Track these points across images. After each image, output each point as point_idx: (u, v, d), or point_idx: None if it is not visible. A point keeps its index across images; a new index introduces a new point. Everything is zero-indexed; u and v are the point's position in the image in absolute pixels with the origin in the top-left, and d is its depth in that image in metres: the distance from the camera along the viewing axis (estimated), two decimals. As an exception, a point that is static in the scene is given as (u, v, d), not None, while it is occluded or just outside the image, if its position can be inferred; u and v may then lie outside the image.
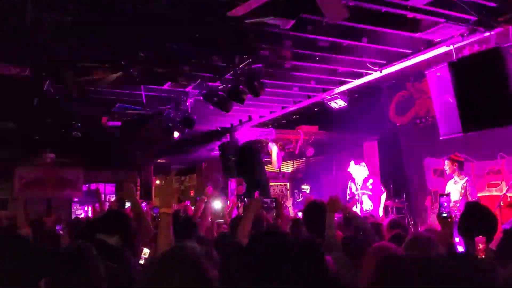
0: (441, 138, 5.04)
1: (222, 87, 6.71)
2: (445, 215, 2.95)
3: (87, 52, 5.69)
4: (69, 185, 12.60)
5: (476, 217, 2.88)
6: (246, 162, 8.90)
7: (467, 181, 6.56)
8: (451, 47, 5.33)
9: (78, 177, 12.76)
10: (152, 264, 1.73)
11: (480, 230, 2.73)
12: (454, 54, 5.25)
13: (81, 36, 5.12)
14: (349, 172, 8.65)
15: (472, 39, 5.18)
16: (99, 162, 13.42)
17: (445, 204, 3.09)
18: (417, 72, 7.65)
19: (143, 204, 8.94)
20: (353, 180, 8.59)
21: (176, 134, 7.97)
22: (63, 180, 12.39)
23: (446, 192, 6.21)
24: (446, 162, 6.85)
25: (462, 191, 6.50)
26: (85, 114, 8.24)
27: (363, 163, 8.58)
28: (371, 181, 8.34)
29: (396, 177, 9.14)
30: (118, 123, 8.41)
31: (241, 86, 6.25)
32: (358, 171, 8.48)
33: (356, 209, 7.78)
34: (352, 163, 8.60)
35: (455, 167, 6.67)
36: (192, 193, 17.33)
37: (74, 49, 5.46)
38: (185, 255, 1.62)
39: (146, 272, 1.79)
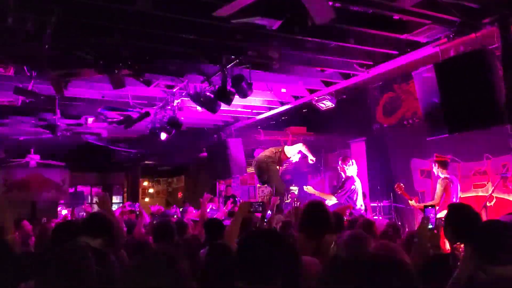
0: (428, 139, 5.07)
1: (209, 88, 6.67)
2: (430, 226, 2.95)
3: (71, 52, 5.62)
4: (54, 187, 12.44)
5: (459, 221, 2.87)
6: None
7: (442, 179, 6.67)
8: (437, 48, 5.36)
9: (63, 179, 12.61)
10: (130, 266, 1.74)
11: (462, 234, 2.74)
12: (440, 56, 5.28)
13: (65, 36, 5.06)
14: (341, 171, 8.28)
15: (458, 41, 5.22)
16: (85, 164, 13.29)
17: (431, 215, 3.09)
18: (404, 74, 7.70)
19: (136, 205, 8.89)
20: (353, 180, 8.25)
21: (163, 136, 7.90)
22: (48, 182, 12.23)
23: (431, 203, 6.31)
24: (433, 165, 6.94)
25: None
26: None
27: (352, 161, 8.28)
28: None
29: (384, 178, 9.19)
30: (105, 124, 8.32)
31: (228, 87, 6.22)
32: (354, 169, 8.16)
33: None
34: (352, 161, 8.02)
35: (437, 168, 6.76)
36: (180, 195, 17.24)
37: (59, 49, 5.37)
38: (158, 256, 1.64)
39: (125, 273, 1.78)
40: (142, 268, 1.62)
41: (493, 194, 7.21)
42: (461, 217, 2.87)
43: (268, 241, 1.75)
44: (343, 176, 7.76)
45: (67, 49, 5.50)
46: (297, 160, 8.93)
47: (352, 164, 7.73)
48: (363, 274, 1.26)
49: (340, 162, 7.82)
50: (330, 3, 4.20)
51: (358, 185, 7.67)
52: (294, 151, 8.66)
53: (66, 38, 5.13)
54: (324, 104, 8.32)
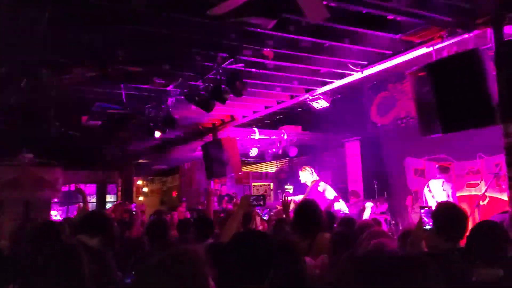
0: (421, 136, 5.10)
1: (203, 86, 6.66)
2: (428, 227, 3.00)
3: (64, 50, 5.59)
4: (48, 185, 12.32)
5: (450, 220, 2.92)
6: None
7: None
8: (431, 48, 5.39)
9: (57, 178, 12.49)
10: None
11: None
12: (434, 56, 5.31)
13: (57, 34, 5.03)
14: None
15: (451, 41, 5.25)
16: (79, 162, 13.22)
17: (423, 215, 3.13)
18: (398, 73, 7.73)
19: (132, 206, 8.84)
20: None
21: (157, 134, 7.88)
22: (42, 181, 12.10)
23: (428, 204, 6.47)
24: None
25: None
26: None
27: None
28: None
29: (378, 177, 9.23)
30: (98, 123, 8.26)
31: (223, 86, 6.21)
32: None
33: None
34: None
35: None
36: (174, 194, 17.21)
37: (51, 47, 5.34)
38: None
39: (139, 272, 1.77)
40: (166, 267, 1.59)
41: (486, 193, 7.27)
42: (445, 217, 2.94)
43: (257, 241, 1.75)
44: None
45: (60, 47, 5.47)
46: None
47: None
48: (386, 273, 1.26)
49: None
50: (325, 2, 4.21)
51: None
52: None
53: (59, 36, 5.10)
54: (318, 103, 8.33)
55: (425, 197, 7.38)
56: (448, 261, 2.65)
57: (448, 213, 2.95)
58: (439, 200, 6.75)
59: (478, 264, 2.35)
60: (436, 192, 7.21)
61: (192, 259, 1.61)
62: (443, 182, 7.26)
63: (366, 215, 7.60)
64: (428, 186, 7.40)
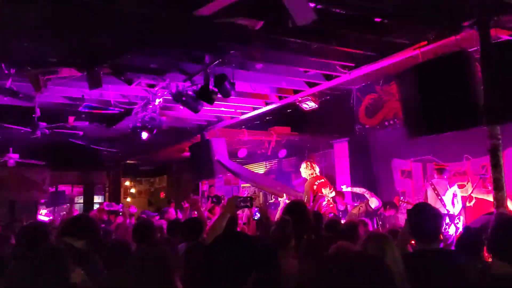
0: (407, 138, 5.13)
1: (191, 87, 6.63)
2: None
3: (51, 50, 5.53)
4: (34, 186, 12.21)
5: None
6: None
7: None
8: (418, 50, 5.42)
9: (43, 178, 12.39)
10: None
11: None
12: (420, 57, 5.34)
13: (44, 34, 4.97)
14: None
15: (438, 43, 5.28)
16: (66, 162, 13.11)
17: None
18: (386, 75, 7.78)
19: (119, 206, 8.79)
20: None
21: (145, 135, 7.83)
22: (28, 182, 11.99)
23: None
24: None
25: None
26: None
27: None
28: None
29: (366, 178, 9.28)
30: (85, 123, 8.20)
31: (210, 87, 6.18)
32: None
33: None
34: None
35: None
36: (162, 195, 17.12)
37: (37, 46, 5.28)
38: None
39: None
40: (130, 270, 1.61)
41: (472, 195, 7.33)
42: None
43: (239, 243, 1.75)
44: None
45: (47, 47, 5.41)
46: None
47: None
48: (350, 274, 1.29)
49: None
50: (312, 4, 4.22)
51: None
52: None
53: (45, 35, 5.04)
54: (307, 104, 8.36)
55: (429, 197, 7.18)
56: (420, 262, 2.69)
57: (419, 215, 3.00)
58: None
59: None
60: (458, 196, 7.16)
61: (158, 261, 1.62)
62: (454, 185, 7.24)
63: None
64: (434, 188, 7.19)
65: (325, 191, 7.37)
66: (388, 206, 7.68)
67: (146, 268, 1.67)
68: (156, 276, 1.68)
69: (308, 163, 7.89)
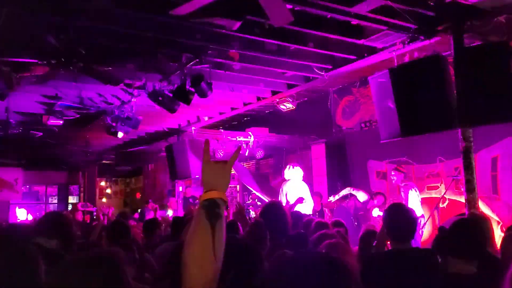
0: (381, 141, 5.18)
1: (168, 87, 6.56)
2: None
3: (24, 47, 5.40)
4: (6, 186, 11.92)
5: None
6: None
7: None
8: (393, 54, 5.50)
9: (16, 178, 12.10)
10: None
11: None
12: (395, 61, 5.41)
13: (18, 31, 4.85)
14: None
15: (413, 47, 5.37)
16: (40, 162, 12.83)
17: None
18: (362, 78, 7.86)
19: (94, 209, 8.62)
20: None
21: (120, 134, 7.72)
22: (0, 182, 11.71)
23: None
24: (393, 172, 7.43)
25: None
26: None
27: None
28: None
29: (342, 179, 9.37)
30: (60, 122, 8.03)
31: (187, 87, 6.14)
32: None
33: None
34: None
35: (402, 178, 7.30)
36: (138, 196, 16.92)
37: (10, 44, 5.15)
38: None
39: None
40: (80, 269, 1.57)
41: (445, 196, 7.46)
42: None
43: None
44: None
45: (20, 44, 5.28)
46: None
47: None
48: (305, 272, 1.30)
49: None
50: (290, 6, 4.23)
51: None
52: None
53: (18, 32, 4.92)
54: (285, 106, 8.38)
55: (408, 199, 7.30)
56: (394, 261, 2.75)
57: (394, 215, 3.07)
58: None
59: (453, 258, 2.50)
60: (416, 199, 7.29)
61: (109, 261, 1.59)
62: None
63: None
64: (416, 191, 7.32)
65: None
66: (377, 196, 7.80)
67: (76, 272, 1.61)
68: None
69: (291, 166, 7.98)
